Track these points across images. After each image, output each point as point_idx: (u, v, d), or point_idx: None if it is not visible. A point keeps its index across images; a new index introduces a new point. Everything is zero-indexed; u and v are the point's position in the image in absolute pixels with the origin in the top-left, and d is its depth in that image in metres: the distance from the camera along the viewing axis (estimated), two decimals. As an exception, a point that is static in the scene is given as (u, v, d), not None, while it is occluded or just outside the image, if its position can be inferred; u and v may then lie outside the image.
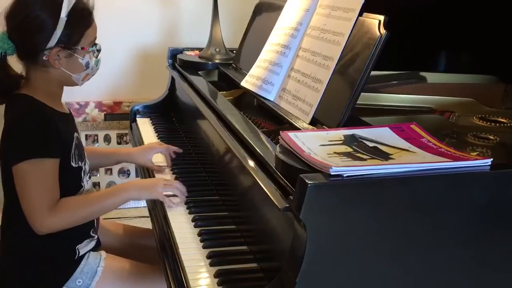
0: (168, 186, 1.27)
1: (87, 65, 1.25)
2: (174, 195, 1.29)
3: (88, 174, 1.33)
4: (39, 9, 1.16)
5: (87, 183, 1.31)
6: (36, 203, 1.14)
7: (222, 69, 1.69)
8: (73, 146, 1.24)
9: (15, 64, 1.25)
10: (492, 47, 1.55)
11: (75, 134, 1.28)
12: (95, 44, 1.26)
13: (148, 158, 1.51)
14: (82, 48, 1.22)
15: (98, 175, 2.51)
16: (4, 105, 1.25)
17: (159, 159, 1.54)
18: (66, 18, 1.17)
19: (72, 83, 1.27)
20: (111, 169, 2.54)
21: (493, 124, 1.28)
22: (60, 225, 1.17)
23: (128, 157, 1.56)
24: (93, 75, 1.30)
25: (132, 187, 1.27)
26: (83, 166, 1.29)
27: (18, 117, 1.19)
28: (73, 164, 1.24)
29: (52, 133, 1.18)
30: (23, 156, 1.14)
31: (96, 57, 1.27)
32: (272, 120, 1.32)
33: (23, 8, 1.17)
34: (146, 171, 1.54)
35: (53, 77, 1.23)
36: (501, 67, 1.56)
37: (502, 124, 1.28)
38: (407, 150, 0.90)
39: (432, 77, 1.61)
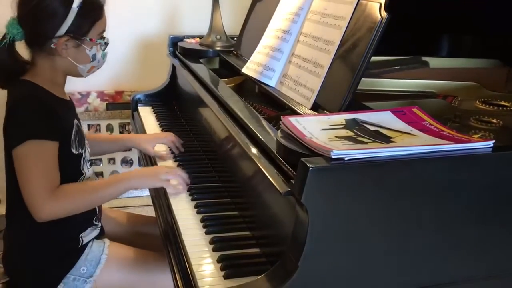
0: (170, 174, 1.27)
1: (93, 57, 1.25)
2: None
3: (89, 162, 1.34)
4: None
5: (88, 171, 1.32)
6: (35, 187, 1.14)
7: (223, 56, 1.69)
8: (73, 133, 1.25)
9: (22, 50, 1.25)
10: (495, 31, 1.54)
11: (75, 121, 1.28)
12: (103, 37, 1.27)
13: (152, 145, 1.51)
14: (91, 40, 1.23)
15: (101, 164, 2.52)
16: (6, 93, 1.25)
17: (161, 148, 1.54)
18: (77, 8, 1.18)
19: (77, 74, 1.28)
20: (114, 158, 2.54)
21: (495, 107, 1.27)
22: (60, 211, 1.17)
23: (133, 142, 1.56)
24: (98, 68, 1.31)
25: (134, 176, 1.27)
26: (83, 153, 1.29)
27: (17, 101, 1.19)
28: (74, 151, 1.25)
29: (50, 116, 1.18)
30: (22, 138, 1.14)
31: (103, 50, 1.28)
32: (274, 106, 1.32)
33: None
34: (149, 159, 1.54)
35: (58, 66, 1.24)
36: (504, 50, 1.55)
37: (504, 108, 1.28)
38: (409, 133, 0.90)
39: (434, 62, 1.60)
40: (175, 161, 1.48)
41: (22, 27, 1.20)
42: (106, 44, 1.28)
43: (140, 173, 1.32)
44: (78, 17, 1.19)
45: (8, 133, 1.19)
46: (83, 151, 1.30)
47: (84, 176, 1.30)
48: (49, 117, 1.18)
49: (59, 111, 1.21)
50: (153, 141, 1.52)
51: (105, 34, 1.29)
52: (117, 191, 1.24)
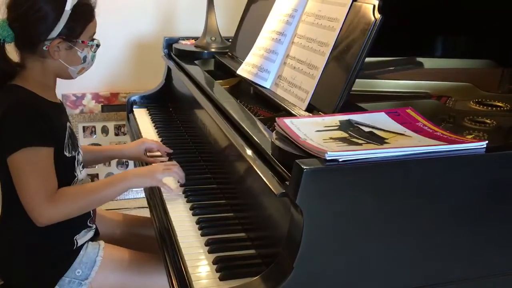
0: (167, 171, 1.28)
1: (84, 59, 1.26)
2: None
3: (82, 164, 1.34)
4: (44, 0, 1.16)
5: (80, 173, 1.31)
6: (33, 193, 1.14)
7: (218, 58, 1.69)
8: (66, 136, 1.25)
9: (11, 52, 1.25)
10: (489, 31, 1.55)
11: (68, 124, 1.28)
12: (94, 39, 1.28)
13: (140, 152, 1.52)
14: (82, 42, 1.24)
15: (96, 166, 2.51)
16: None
17: (153, 150, 1.54)
18: (70, 11, 1.18)
19: (68, 76, 1.28)
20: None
21: (489, 108, 1.28)
22: (60, 215, 1.17)
23: (121, 153, 1.59)
24: (87, 70, 1.31)
25: (132, 176, 1.27)
26: (76, 156, 1.29)
27: (8, 108, 1.18)
28: (67, 154, 1.24)
29: (43, 122, 1.17)
30: (16, 146, 1.14)
31: (94, 52, 1.28)
32: (269, 107, 1.33)
33: None
34: (144, 163, 1.54)
35: (49, 68, 1.24)
36: (497, 51, 1.56)
37: (498, 108, 1.28)
38: (403, 134, 0.90)
39: (428, 63, 1.61)
40: (171, 162, 1.48)
41: (13, 30, 1.19)
42: (98, 46, 1.29)
43: (138, 172, 1.32)
44: (70, 19, 1.19)
45: (1, 141, 1.18)
46: (76, 153, 1.29)
47: (77, 179, 1.29)
48: (42, 123, 1.17)
49: (51, 115, 1.20)
50: (141, 146, 1.52)
51: (101, 35, 1.30)
52: (117, 192, 1.24)
